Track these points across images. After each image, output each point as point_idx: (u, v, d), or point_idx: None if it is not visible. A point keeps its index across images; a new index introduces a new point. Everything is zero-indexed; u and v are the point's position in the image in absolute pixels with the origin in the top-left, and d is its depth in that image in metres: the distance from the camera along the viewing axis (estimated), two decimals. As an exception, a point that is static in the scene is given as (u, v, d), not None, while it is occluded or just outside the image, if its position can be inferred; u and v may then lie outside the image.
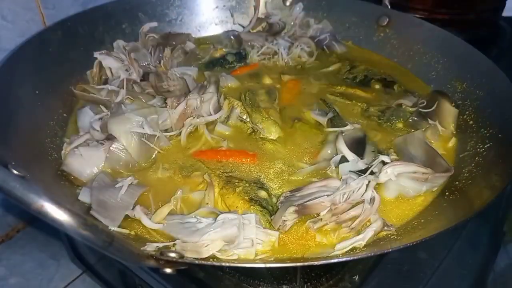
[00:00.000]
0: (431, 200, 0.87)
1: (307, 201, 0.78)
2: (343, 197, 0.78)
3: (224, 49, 1.39)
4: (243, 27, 1.42)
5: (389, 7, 1.39)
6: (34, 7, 1.17)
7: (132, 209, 0.80)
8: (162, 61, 1.25)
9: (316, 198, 0.78)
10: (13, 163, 0.62)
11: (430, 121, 1.05)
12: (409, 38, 1.33)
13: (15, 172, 0.56)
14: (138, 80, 1.12)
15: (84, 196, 0.82)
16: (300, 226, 0.80)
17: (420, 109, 1.08)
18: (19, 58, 0.99)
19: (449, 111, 1.06)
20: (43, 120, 0.99)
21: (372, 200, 0.79)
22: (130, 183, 0.84)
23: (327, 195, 0.78)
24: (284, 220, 0.77)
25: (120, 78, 1.11)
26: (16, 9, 1.13)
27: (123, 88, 1.07)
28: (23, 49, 1.01)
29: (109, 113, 0.98)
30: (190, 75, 1.20)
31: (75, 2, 1.27)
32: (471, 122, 1.04)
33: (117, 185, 0.83)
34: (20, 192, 0.49)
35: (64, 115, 1.06)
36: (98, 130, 0.94)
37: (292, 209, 0.76)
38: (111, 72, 1.14)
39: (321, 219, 0.78)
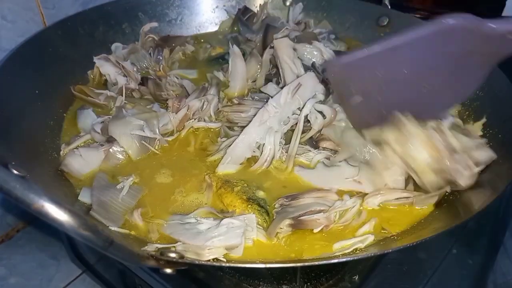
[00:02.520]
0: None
1: (302, 215, 0.78)
2: (337, 215, 0.79)
3: (222, 48, 1.39)
4: (247, 26, 1.42)
5: (389, 7, 1.39)
6: (34, 7, 1.17)
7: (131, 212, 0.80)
8: (161, 65, 1.25)
9: (312, 212, 0.78)
10: (13, 163, 0.62)
11: None
12: (409, 38, 1.33)
13: (15, 172, 0.56)
14: (137, 88, 1.12)
15: (84, 196, 0.82)
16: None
17: None
18: (19, 58, 0.99)
19: None
20: (43, 120, 0.99)
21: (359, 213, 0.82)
22: (131, 183, 0.84)
23: (323, 211, 0.78)
24: (278, 232, 0.77)
25: (119, 85, 1.11)
26: (16, 9, 1.13)
27: (121, 95, 1.07)
28: (23, 49, 1.01)
29: (110, 116, 0.98)
30: (190, 79, 1.21)
31: (75, 2, 1.27)
32: (471, 122, 1.04)
33: (118, 186, 0.83)
34: (20, 192, 0.49)
35: (64, 115, 1.06)
36: (99, 132, 0.95)
37: (287, 222, 0.77)
38: (110, 78, 1.14)
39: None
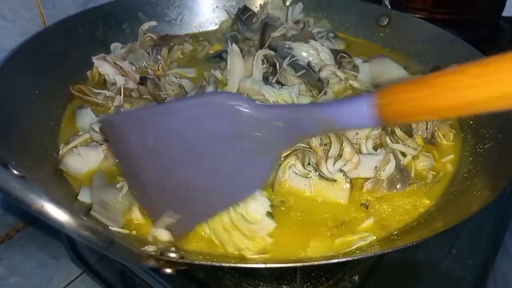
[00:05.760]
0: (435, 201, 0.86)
1: None
2: None
3: (220, 45, 1.39)
4: (247, 25, 1.42)
5: (389, 7, 1.39)
6: (34, 7, 1.17)
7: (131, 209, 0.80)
8: (160, 65, 1.25)
9: None
10: (13, 163, 0.62)
11: None
12: (409, 38, 1.33)
13: (15, 172, 0.56)
14: (135, 87, 1.12)
15: (83, 196, 0.82)
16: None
17: None
18: (19, 58, 0.99)
19: None
20: (43, 120, 0.99)
21: None
22: None
23: None
24: None
25: (117, 85, 1.10)
26: (16, 9, 1.13)
27: (120, 95, 1.07)
28: (23, 49, 1.01)
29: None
30: (189, 77, 1.20)
31: (75, 2, 1.27)
32: (471, 122, 1.04)
33: (118, 185, 0.83)
34: (20, 192, 0.49)
35: (64, 114, 1.06)
36: (97, 132, 0.95)
37: None
38: (109, 77, 1.14)
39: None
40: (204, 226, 0.76)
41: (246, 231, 0.73)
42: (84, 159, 0.90)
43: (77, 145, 0.94)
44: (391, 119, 0.55)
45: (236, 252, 0.73)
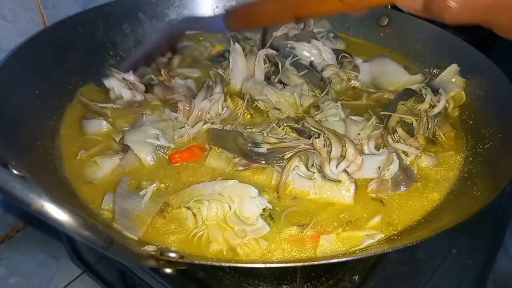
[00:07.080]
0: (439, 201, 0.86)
1: None
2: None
3: (222, 46, 1.39)
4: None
5: (389, 7, 1.39)
6: (34, 7, 1.17)
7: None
8: (162, 70, 1.24)
9: None
10: (13, 163, 0.62)
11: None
12: (409, 38, 1.33)
13: (15, 172, 0.56)
14: (143, 99, 1.10)
15: (107, 203, 0.83)
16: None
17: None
18: (19, 58, 0.99)
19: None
20: (43, 120, 0.99)
21: None
22: (154, 189, 0.84)
23: None
24: None
25: (124, 99, 1.08)
26: (16, 9, 1.13)
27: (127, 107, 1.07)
28: (23, 49, 1.01)
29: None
30: (194, 77, 1.21)
31: (75, 2, 1.27)
32: (471, 122, 1.04)
33: (141, 192, 0.83)
34: (20, 192, 0.49)
35: (64, 115, 1.06)
36: (116, 142, 0.96)
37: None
38: (114, 91, 1.10)
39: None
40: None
41: (238, 231, 0.74)
42: (100, 166, 0.91)
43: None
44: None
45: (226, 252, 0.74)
